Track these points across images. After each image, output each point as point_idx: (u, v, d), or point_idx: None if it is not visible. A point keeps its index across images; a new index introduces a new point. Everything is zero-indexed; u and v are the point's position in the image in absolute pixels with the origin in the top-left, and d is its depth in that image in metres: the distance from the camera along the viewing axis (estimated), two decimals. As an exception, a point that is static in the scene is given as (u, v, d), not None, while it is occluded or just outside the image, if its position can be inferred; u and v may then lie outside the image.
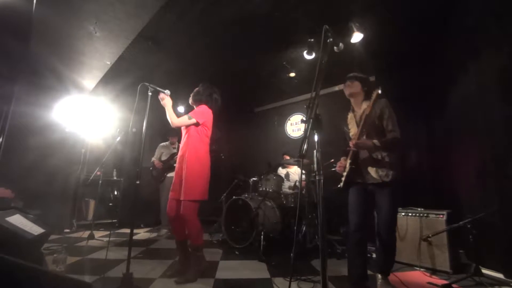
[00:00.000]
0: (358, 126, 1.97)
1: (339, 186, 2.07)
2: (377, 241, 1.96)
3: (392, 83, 3.94)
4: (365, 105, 1.98)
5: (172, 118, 2.31)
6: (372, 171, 1.93)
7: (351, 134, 2.06)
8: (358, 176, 1.99)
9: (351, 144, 1.90)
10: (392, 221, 1.93)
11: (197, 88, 2.51)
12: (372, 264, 2.64)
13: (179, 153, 2.37)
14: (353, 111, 2.11)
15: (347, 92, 2.10)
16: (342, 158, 2.11)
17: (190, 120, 2.30)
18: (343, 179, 2.05)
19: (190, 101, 2.51)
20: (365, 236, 1.94)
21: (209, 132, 2.42)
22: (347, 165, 1.99)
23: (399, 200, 2.00)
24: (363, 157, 1.99)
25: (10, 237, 1.64)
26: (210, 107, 2.44)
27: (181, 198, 2.20)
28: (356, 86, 2.06)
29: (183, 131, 2.41)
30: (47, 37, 3.17)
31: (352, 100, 2.13)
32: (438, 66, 3.36)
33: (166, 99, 2.36)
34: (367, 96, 2.03)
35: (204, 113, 2.36)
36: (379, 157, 1.93)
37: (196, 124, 2.32)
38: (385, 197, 1.89)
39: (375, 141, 1.88)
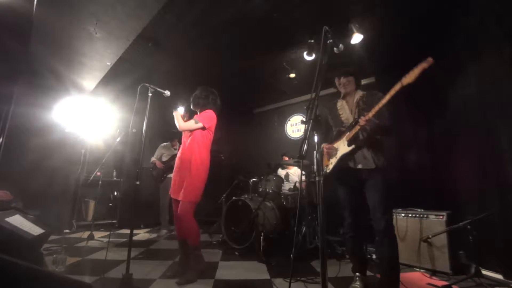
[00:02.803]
0: (352, 112, 2.02)
1: (325, 171, 2.03)
2: (376, 238, 1.85)
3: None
4: (360, 93, 2.04)
5: (179, 123, 2.38)
6: (367, 154, 1.90)
7: (343, 119, 2.07)
8: (349, 160, 1.95)
9: (362, 119, 1.79)
10: (387, 203, 1.83)
11: (194, 93, 2.54)
12: (372, 264, 2.65)
13: (180, 155, 2.39)
14: (344, 98, 2.12)
15: (346, 90, 2.08)
16: (325, 144, 2.07)
17: (196, 124, 2.34)
18: (330, 164, 2.02)
19: (191, 106, 2.54)
20: (359, 233, 2.00)
21: (212, 136, 2.47)
22: (343, 145, 1.94)
23: (392, 186, 1.91)
24: (359, 139, 1.93)
25: (10, 238, 1.64)
26: (212, 110, 2.47)
27: (181, 199, 2.21)
28: (352, 82, 2.07)
29: (187, 133, 2.44)
30: (47, 38, 3.17)
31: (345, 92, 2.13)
32: (438, 66, 3.34)
33: (176, 113, 2.43)
34: (358, 86, 2.08)
35: (210, 118, 2.41)
36: (375, 140, 1.90)
37: (203, 128, 2.36)
38: (378, 181, 1.85)
39: (377, 121, 1.84)
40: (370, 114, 1.76)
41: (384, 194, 1.83)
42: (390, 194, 1.87)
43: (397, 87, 1.64)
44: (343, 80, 2.07)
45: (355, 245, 2.05)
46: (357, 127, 1.84)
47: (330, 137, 2.14)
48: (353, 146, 1.88)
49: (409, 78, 1.60)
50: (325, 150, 2.02)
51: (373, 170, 1.86)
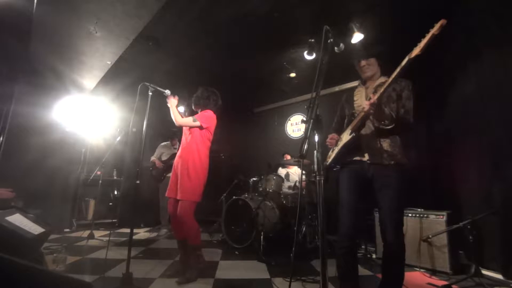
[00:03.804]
0: (367, 98, 1.62)
1: (325, 163, 1.78)
2: (383, 244, 1.57)
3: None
4: (382, 79, 1.70)
5: (176, 117, 2.36)
6: (377, 146, 1.61)
7: (356, 105, 1.78)
8: (357, 152, 1.66)
9: (366, 103, 1.51)
10: (398, 210, 1.55)
11: (196, 93, 2.54)
12: (372, 264, 2.65)
13: (179, 154, 2.39)
14: (364, 84, 1.82)
15: (366, 74, 1.77)
16: (333, 134, 1.82)
17: (194, 122, 2.34)
18: (332, 154, 1.77)
19: (193, 106, 2.55)
20: (353, 245, 1.67)
21: (211, 137, 2.47)
22: (346, 135, 1.69)
23: (406, 192, 1.59)
24: (369, 128, 1.66)
25: (10, 237, 1.64)
26: (212, 111, 2.48)
27: (180, 198, 2.21)
28: (374, 65, 1.76)
29: (186, 132, 2.44)
30: (47, 37, 3.17)
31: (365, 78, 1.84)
32: (438, 66, 3.35)
33: (171, 100, 2.41)
34: (383, 72, 1.77)
35: (209, 118, 2.41)
36: (389, 132, 1.60)
37: (200, 128, 2.36)
38: (391, 183, 1.55)
39: (391, 112, 1.57)
40: (375, 97, 1.48)
41: (396, 199, 1.53)
42: (403, 199, 1.57)
43: (403, 62, 1.41)
44: (363, 63, 1.77)
45: (350, 263, 1.62)
46: (362, 113, 1.57)
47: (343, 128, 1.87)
48: (353, 135, 1.62)
49: (418, 49, 1.36)
50: (327, 140, 1.80)
51: (383, 167, 1.57)
